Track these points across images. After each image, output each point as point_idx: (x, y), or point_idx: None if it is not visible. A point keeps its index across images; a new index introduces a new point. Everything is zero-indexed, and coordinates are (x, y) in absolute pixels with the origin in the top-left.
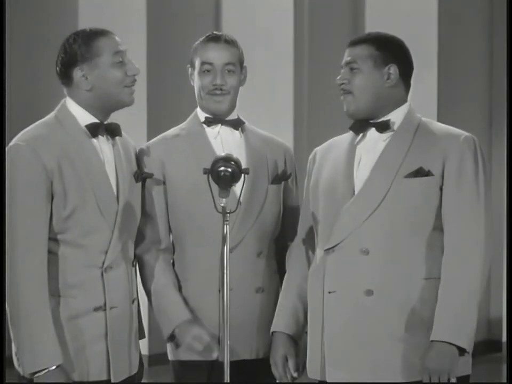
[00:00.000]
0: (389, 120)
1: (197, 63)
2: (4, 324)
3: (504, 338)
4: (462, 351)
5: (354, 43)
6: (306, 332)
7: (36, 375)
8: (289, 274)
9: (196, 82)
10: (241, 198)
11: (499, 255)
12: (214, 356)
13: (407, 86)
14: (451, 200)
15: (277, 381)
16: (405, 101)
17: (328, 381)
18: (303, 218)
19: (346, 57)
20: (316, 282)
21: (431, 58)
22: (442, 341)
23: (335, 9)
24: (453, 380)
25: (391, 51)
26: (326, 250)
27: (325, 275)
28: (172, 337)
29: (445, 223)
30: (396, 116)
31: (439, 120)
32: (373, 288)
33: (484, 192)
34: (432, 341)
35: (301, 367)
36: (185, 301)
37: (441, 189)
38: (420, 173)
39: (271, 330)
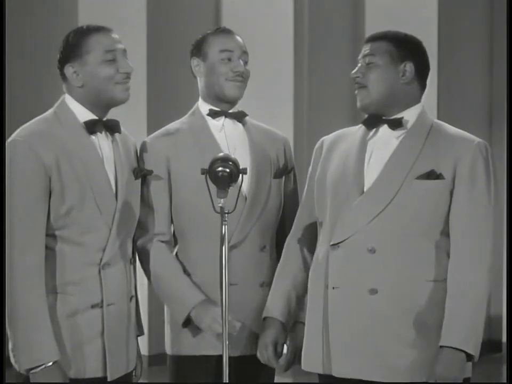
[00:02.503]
0: (402, 118)
1: (213, 53)
2: (3, 323)
3: (504, 338)
4: (469, 357)
5: (372, 39)
6: (303, 323)
7: (31, 371)
8: (284, 263)
9: (210, 71)
10: (245, 193)
11: (499, 255)
12: (238, 325)
13: (422, 85)
14: (462, 206)
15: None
16: (418, 101)
17: (334, 374)
18: (303, 209)
19: (363, 52)
20: (318, 277)
21: (431, 58)
22: (452, 347)
23: (335, 8)
24: None
25: (408, 49)
26: (331, 245)
27: (328, 270)
28: (187, 322)
29: (453, 227)
30: (409, 115)
31: (439, 120)
32: (378, 287)
33: (494, 199)
34: (441, 346)
35: (292, 357)
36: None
37: (451, 194)
38: (431, 175)
39: (263, 316)
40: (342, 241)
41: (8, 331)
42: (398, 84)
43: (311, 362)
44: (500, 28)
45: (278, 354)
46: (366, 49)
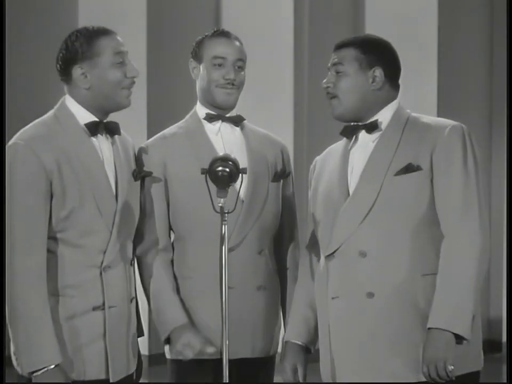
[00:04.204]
0: (376, 120)
1: (207, 57)
2: (4, 324)
3: (504, 338)
4: (459, 338)
5: (339, 46)
6: None
7: (34, 374)
8: (299, 283)
9: (203, 75)
10: (242, 197)
11: (499, 254)
12: (211, 350)
13: (395, 87)
14: (441, 191)
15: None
16: (393, 99)
17: (337, 381)
18: (309, 227)
19: (332, 60)
20: (320, 289)
21: (431, 58)
22: (438, 328)
23: (335, 8)
24: (450, 368)
25: (376, 54)
26: (327, 256)
27: (328, 281)
28: (168, 340)
29: (440, 214)
30: (383, 115)
31: None
32: (374, 290)
33: (475, 180)
34: (429, 328)
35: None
36: (183, 303)
37: (432, 182)
38: (409, 169)
39: (284, 340)
40: (335, 250)
41: (10, 334)
42: (369, 90)
43: (324, 373)
44: (500, 27)
45: (296, 376)
46: (334, 57)
